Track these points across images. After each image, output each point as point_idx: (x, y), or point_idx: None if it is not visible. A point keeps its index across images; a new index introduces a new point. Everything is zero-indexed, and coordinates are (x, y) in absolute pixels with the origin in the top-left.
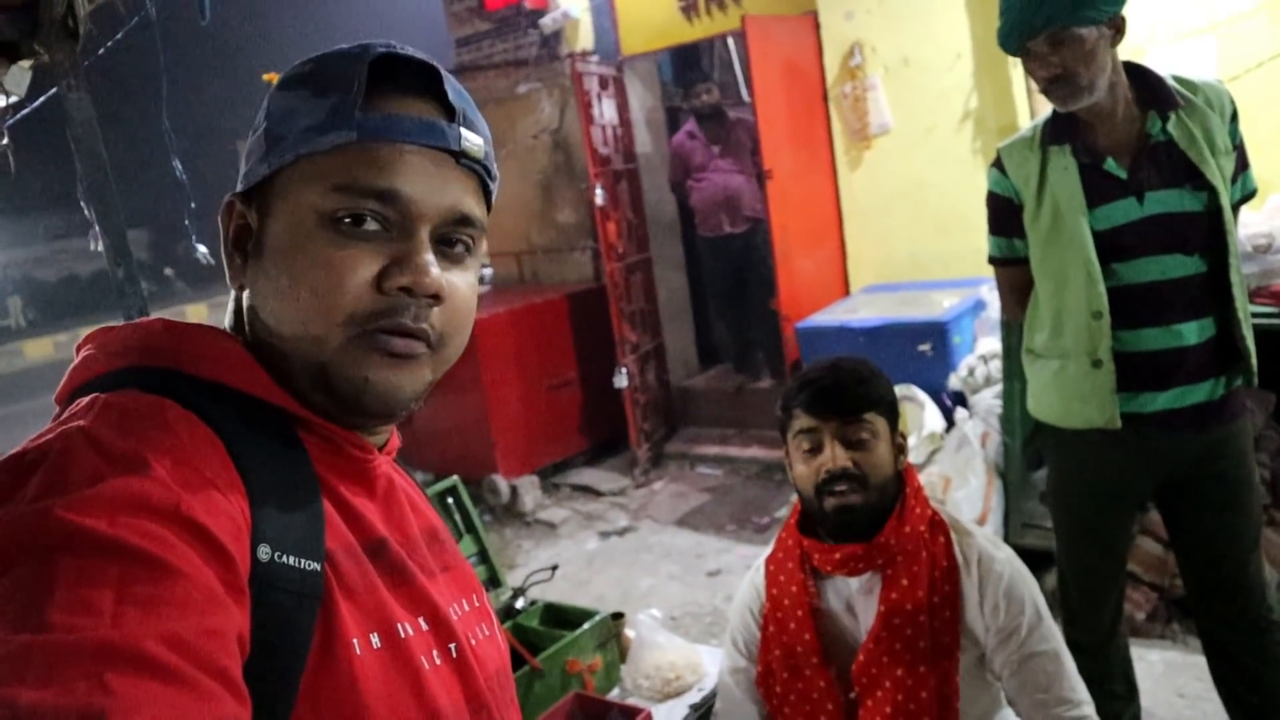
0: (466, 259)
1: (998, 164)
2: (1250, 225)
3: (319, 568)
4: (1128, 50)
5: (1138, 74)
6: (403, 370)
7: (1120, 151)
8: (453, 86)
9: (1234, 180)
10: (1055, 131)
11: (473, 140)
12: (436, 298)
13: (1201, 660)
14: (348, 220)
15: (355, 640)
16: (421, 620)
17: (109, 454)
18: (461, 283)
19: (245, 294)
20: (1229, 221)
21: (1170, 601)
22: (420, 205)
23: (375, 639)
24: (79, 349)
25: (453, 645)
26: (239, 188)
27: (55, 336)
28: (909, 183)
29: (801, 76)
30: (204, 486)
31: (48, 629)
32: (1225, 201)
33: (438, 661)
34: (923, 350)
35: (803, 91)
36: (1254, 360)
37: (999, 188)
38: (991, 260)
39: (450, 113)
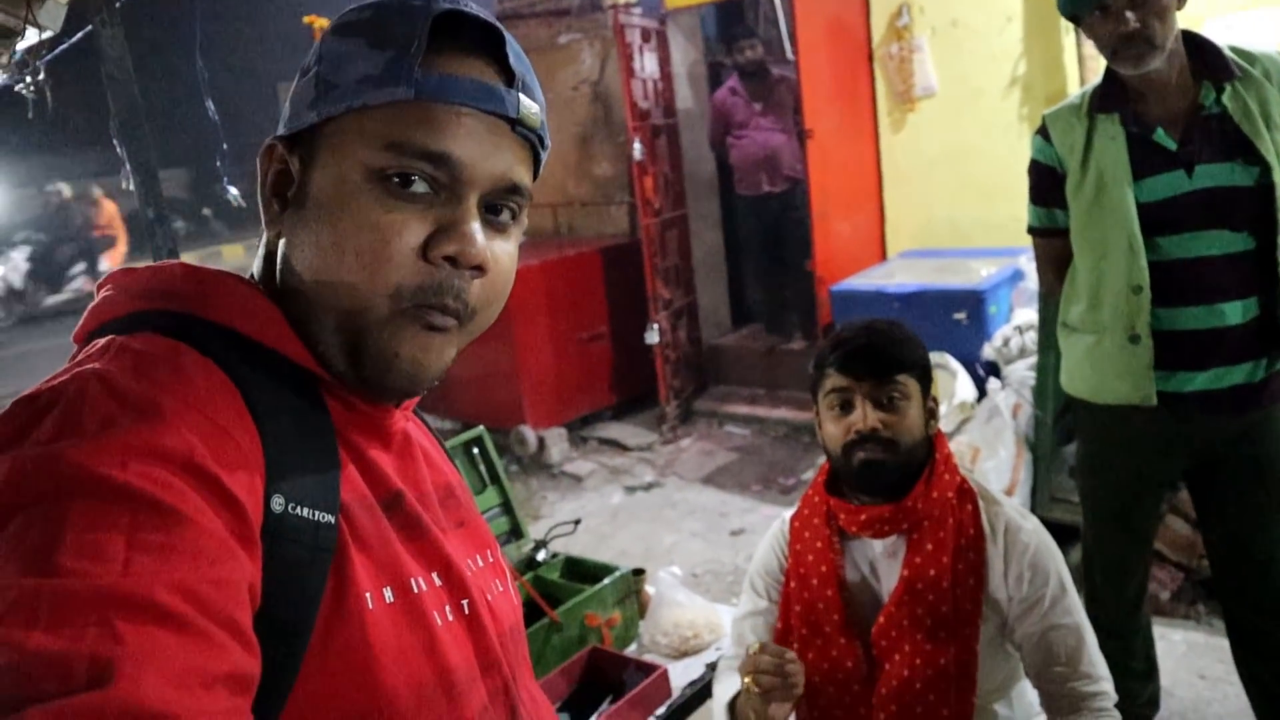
0: (511, 228)
1: (1042, 131)
2: None
3: (334, 520)
4: (1186, 19)
5: (1194, 43)
6: (432, 346)
7: (1171, 122)
8: (514, 50)
9: None
10: (1104, 99)
11: (530, 108)
12: (480, 269)
13: (1224, 643)
14: (396, 179)
15: (368, 594)
16: (435, 575)
17: (123, 398)
18: (503, 253)
19: (281, 242)
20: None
21: (1196, 582)
22: (472, 171)
23: (388, 593)
24: (99, 288)
25: (465, 601)
26: (281, 131)
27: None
28: (952, 148)
29: (847, 35)
30: (218, 435)
31: (58, 573)
32: (1279, 178)
33: (450, 617)
34: (958, 319)
35: (847, 50)
36: None
37: (1042, 156)
38: (1031, 230)
39: (510, 77)
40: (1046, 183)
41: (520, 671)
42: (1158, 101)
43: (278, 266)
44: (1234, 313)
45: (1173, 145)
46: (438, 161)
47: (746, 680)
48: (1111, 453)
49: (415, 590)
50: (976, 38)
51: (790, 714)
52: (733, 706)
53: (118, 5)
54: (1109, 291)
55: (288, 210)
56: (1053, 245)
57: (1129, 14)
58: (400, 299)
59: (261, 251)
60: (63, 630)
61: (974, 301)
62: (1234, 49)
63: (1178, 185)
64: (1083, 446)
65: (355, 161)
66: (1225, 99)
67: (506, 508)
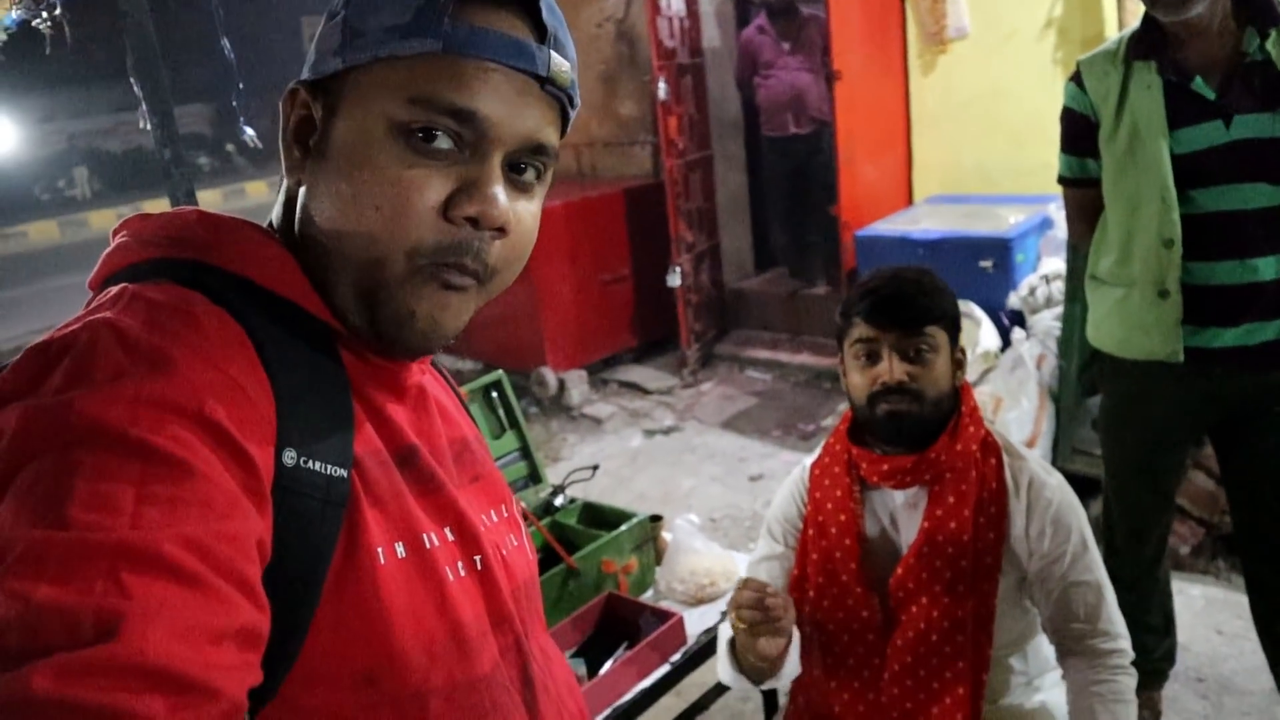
0: (535, 187)
1: (1076, 78)
2: None
3: (346, 474)
4: None
5: None
6: (450, 305)
7: (1211, 70)
8: (547, 3)
9: None
10: (1142, 46)
11: (561, 65)
12: (502, 230)
13: (1243, 598)
14: (419, 134)
15: (380, 549)
16: (448, 530)
17: (135, 349)
18: (526, 213)
19: (301, 190)
20: None
21: (1216, 538)
22: (498, 129)
23: (400, 548)
24: (114, 234)
25: (478, 557)
26: (305, 75)
27: (119, 209)
28: (983, 91)
29: None
30: (229, 388)
31: (67, 525)
32: None
33: (462, 573)
34: (984, 266)
35: None
36: None
37: (1075, 103)
38: (1061, 180)
39: (542, 32)
40: (1079, 131)
41: (533, 626)
42: (1198, 48)
43: (296, 215)
44: (1268, 268)
45: (1211, 94)
46: (463, 118)
47: (731, 616)
48: (1136, 407)
49: (428, 545)
50: None
51: (785, 649)
52: (734, 646)
53: None
54: (1139, 245)
55: (309, 158)
56: (1084, 196)
57: None
58: (418, 256)
59: (281, 198)
60: (70, 583)
61: (1001, 249)
62: None
63: (1215, 136)
64: (1107, 400)
65: (379, 113)
66: (1270, 45)
67: (525, 452)
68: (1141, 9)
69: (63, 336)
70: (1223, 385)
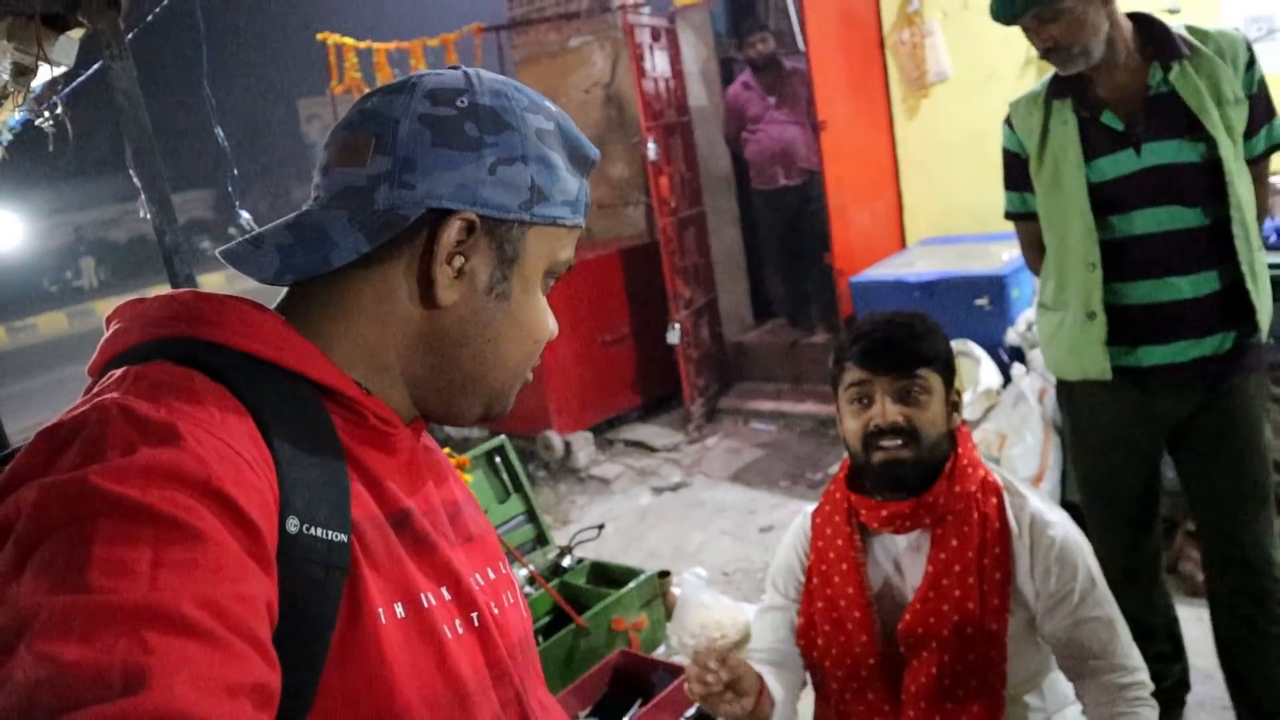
0: None
1: (1008, 119)
2: None
3: (346, 539)
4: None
5: (1144, 24)
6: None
7: (1120, 103)
8: None
9: (1255, 131)
10: (1058, 86)
11: None
12: None
13: None
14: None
15: (380, 610)
16: (444, 590)
17: (143, 425)
18: None
19: (447, 311)
20: (1231, 173)
21: None
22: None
23: (399, 608)
24: (109, 322)
25: (475, 614)
26: (471, 205)
27: (125, 295)
28: (968, 132)
29: (857, 24)
30: (233, 459)
31: (88, 590)
32: (1226, 153)
33: (460, 630)
34: (980, 304)
35: (859, 39)
36: (1263, 315)
37: (1010, 143)
38: (1007, 215)
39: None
40: (1015, 168)
41: (531, 681)
42: (1106, 85)
43: (419, 323)
44: (1187, 286)
45: (1120, 126)
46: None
47: (690, 685)
48: (1087, 426)
49: (425, 605)
50: (988, 18)
51: (758, 703)
52: None
53: (129, 38)
54: (1070, 270)
55: (489, 295)
56: (1029, 229)
57: (1042, 33)
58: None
59: (369, 293)
60: (96, 643)
61: (996, 286)
62: (1189, 28)
63: (1127, 164)
64: (1065, 426)
65: (539, 271)
66: (1173, 78)
67: (530, 515)
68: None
69: (73, 419)
70: (1162, 403)
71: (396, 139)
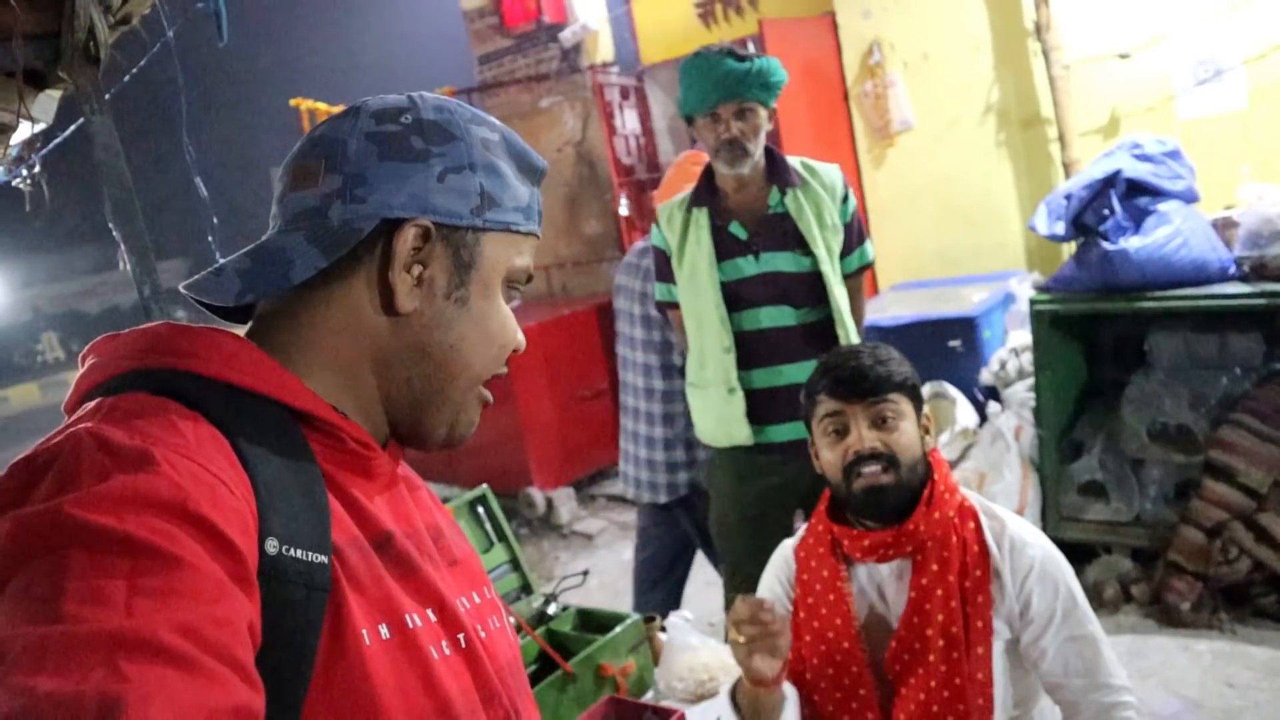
0: None
1: (657, 221)
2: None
3: (327, 560)
4: (1152, 33)
5: (770, 156)
6: (478, 416)
7: (746, 217)
8: None
9: (849, 252)
10: (699, 197)
11: None
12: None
13: (1251, 649)
14: (512, 289)
15: (364, 631)
16: (429, 611)
17: (116, 452)
18: None
19: (406, 319)
20: (830, 283)
21: (1215, 591)
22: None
23: (384, 630)
24: (83, 359)
25: (461, 636)
26: (423, 213)
27: None
28: (934, 178)
29: (821, 77)
30: (209, 481)
31: (63, 620)
32: (826, 267)
33: (447, 651)
34: (953, 346)
35: (823, 92)
36: None
37: (658, 241)
38: (658, 305)
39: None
40: (663, 263)
41: (523, 704)
42: (738, 200)
43: (376, 330)
44: (794, 373)
45: (744, 235)
46: (527, 278)
47: (730, 631)
48: (732, 491)
49: (410, 626)
50: (948, 68)
51: (780, 674)
52: (735, 696)
53: (107, 96)
54: (709, 352)
55: (447, 302)
56: (677, 315)
57: (735, 123)
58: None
59: (321, 313)
60: (71, 673)
61: (967, 328)
62: (803, 163)
63: (748, 268)
64: (711, 492)
65: (498, 277)
66: (787, 201)
67: (515, 564)
68: (1071, 88)
69: (46, 449)
70: (792, 473)
71: (345, 157)
